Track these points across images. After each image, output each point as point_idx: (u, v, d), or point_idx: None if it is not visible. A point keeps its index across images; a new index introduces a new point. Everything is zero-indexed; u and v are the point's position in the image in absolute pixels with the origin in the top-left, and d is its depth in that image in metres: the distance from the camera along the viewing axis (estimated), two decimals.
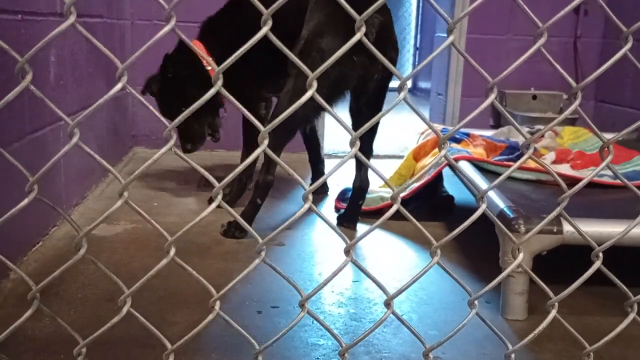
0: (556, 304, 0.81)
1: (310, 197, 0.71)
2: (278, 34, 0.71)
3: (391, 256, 2.19)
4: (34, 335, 1.48)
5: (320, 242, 2.29)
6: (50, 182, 2.14)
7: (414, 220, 0.74)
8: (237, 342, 1.49)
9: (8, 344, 1.42)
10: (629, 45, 0.74)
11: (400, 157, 3.11)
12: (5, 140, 1.77)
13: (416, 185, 2.47)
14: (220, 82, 0.68)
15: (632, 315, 0.83)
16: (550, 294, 0.80)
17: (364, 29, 0.72)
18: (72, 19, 0.65)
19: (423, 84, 7.07)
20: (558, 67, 0.72)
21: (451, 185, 2.80)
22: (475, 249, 2.17)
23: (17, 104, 1.80)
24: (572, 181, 2.23)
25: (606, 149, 0.76)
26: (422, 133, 2.96)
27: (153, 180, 3.00)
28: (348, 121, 2.38)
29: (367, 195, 2.59)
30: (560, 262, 1.74)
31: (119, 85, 0.66)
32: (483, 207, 0.74)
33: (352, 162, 2.53)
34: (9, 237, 1.78)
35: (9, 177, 1.70)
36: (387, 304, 0.78)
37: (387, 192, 2.66)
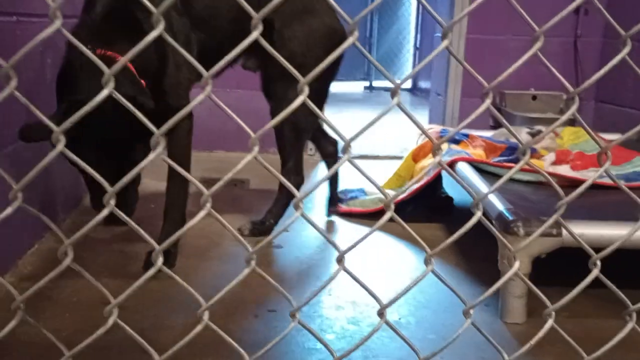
0: (553, 313, 0.79)
1: (302, 204, 0.70)
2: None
3: (389, 257, 2.18)
4: (30, 340, 1.46)
5: (318, 244, 2.28)
6: (45, 184, 2.13)
7: (407, 227, 0.73)
8: (233, 346, 1.48)
9: (2, 350, 1.41)
10: (627, 49, 0.72)
11: (400, 158, 3.09)
12: (1, 143, 1.76)
13: (415, 186, 2.45)
14: (209, 88, 0.66)
15: (630, 325, 0.82)
16: (547, 302, 0.79)
17: (357, 34, 0.71)
18: (57, 23, 0.63)
19: (423, 84, 7.06)
20: (555, 71, 0.70)
21: (450, 186, 2.78)
22: (474, 250, 2.15)
23: (12, 106, 1.79)
24: (572, 182, 2.21)
25: (604, 154, 0.74)
26: (422, 134, 2.95)
27: (149, 182, 2.98)
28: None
29: (366, 197, 2.58)
30: (560, 262, 1.72)
31: (105, 92, 0.64)
32: (478, 214, 0.73)
33: (349, 164, 2.52)
34: (3, 239, 1.77)
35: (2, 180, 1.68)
36: (380, 314, 0.76)
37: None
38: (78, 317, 1.61)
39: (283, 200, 2.33)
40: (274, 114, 2.26)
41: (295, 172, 2.31)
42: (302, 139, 2.31)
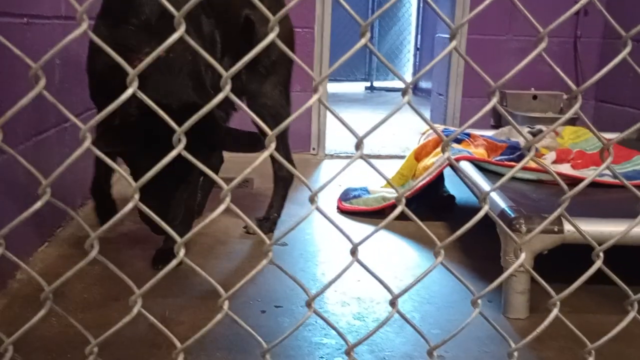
0: (558, 302, 0.82)
1: (317, 198, 0.73)
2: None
3: (392, 255, 2.21)
4: (42, 335, 1.50)
5: (323, 241, 2.31)
6: (54, 184, 2.16)
7: (418, 221, 0.76)
8: (241, 341, 1.51)
9: (17, 344, 1.43)
10: (628, 49, 0.75)
11: (402, 157, 3.12)
12: (11, 142, 1.79)
13: (418, 185, 2.49)
14: (228, 87, 0.69)
15: (632, 314, 0.85)
16: (552, 292, 0.82)
17: (368, 35, 0.74)
18: (84, 26, 0.66)
19: (424, 84, 7.08)
20: (559, 70, 0.73)
21: (452, 185, 2.81)
22: (477, 248, 2.18)
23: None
24: (572, 181, 2.25)
25: (606, 150, 0.77)
26: (424, 133, 2.98)
27: None
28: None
29: (369, 196, 2.61)
30: (561, 261, 1.75)
31: (129, 91, 0.67)
32: (486, 208, 0.76)
33: (356, 163, 2.55)
34: (15, 237, 1.79)
35: (10, 179, 1.71)
36: (392, 304, 0.79)
37: (389, 192, 2.68)
38: (90, 314, 1.64)
39: (281, 193, 2.37)
40: (252, 109, 2.22)
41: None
42: (286, 131, 2.36)
